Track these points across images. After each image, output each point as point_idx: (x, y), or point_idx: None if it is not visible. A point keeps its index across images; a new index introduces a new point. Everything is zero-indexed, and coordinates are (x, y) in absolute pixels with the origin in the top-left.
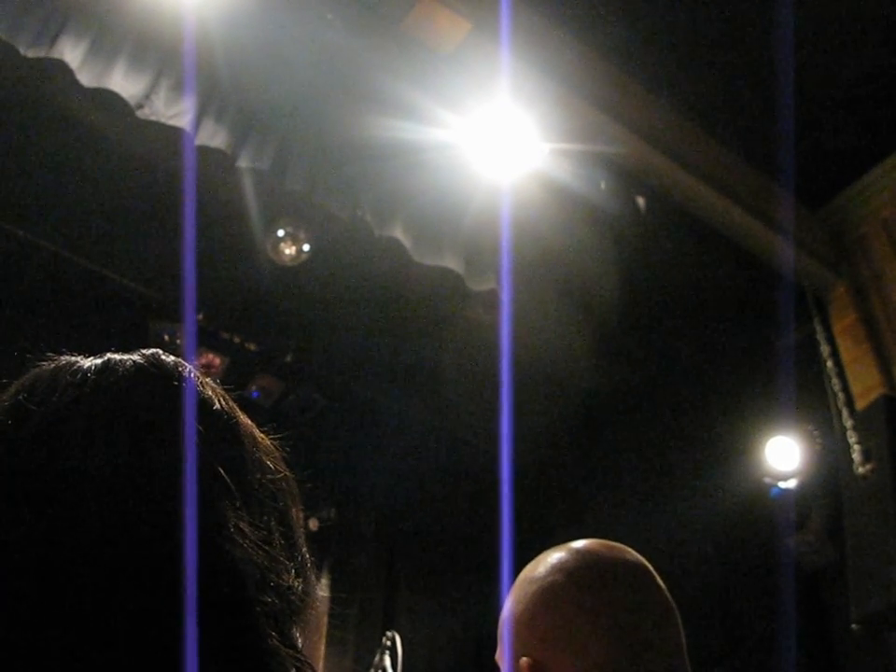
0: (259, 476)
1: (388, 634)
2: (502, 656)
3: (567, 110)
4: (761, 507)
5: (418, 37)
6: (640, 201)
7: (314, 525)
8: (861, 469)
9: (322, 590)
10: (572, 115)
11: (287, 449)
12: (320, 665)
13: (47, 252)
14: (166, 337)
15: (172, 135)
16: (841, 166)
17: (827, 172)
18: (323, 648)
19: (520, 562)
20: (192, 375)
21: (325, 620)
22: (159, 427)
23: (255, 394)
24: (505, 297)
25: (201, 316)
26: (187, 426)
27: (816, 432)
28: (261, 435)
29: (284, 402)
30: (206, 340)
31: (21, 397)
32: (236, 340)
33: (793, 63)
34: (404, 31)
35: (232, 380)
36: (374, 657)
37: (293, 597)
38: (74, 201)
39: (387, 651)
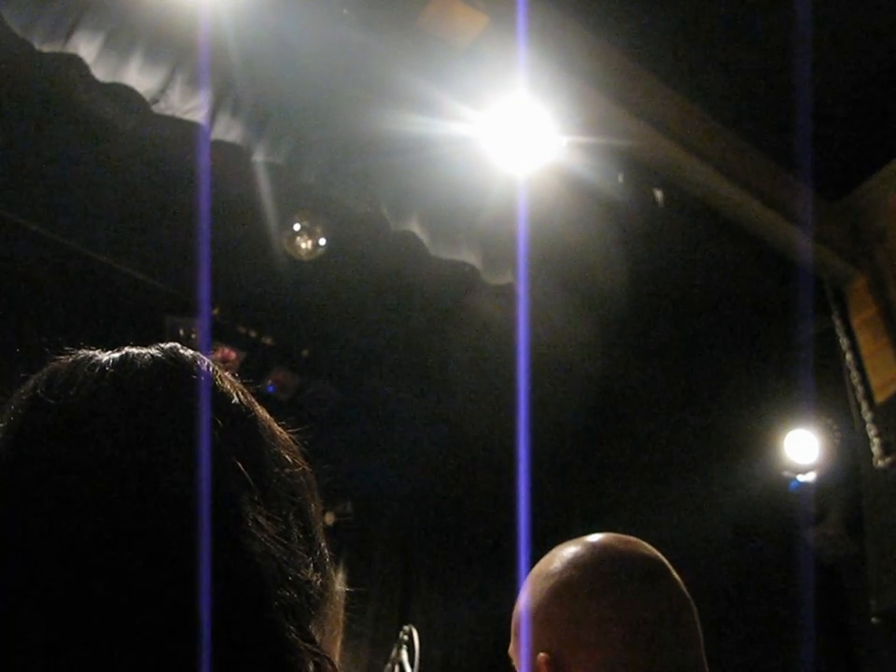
0: (277, 470)
1: (405, 628)
2: (516, 651)
3: (585, 103)
4: (780, 500)
5: (435, 32)
6: (658, 193)
7: (330, 519)
8: (880, 462)
9: (339, 584)
10: (589, 108)
11: (304, 443)
12: (337, 660)
13: (62, 247)
14: (182, 332)
15: (188, 130)
16: (860, 158)
17: (846, 164)
18: (339, 642)
19: (536, 556)
20: (210, 369)
21: (342, 614)
22: (177, 420)
23: (270, 388)
24: (521, 290)
25: (217, 311)
26: (205, 419)
27: (835, 425)
28: (279, 429)
29: (300, 397)
30: (222, 334)
31: (38, 391)
32: (252, 334)
33: (811, 54)
34: (420, 25)
35: (248, 374)
36: (391, 651)
37: (311, 591)
38: (89, 196)
39: (404, 646)
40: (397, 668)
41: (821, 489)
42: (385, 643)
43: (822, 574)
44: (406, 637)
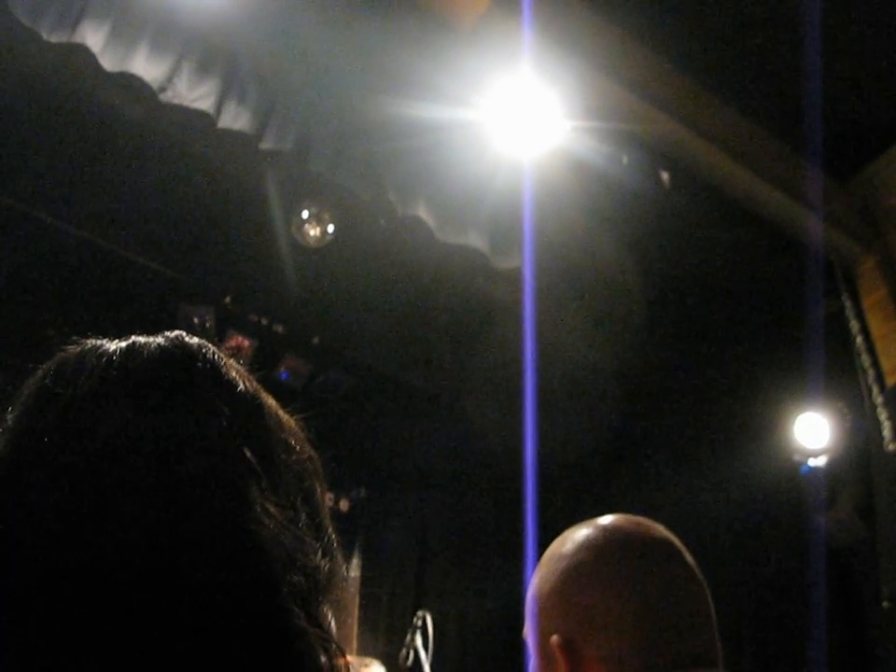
0: (284, 457)
1: (419, 613)
2: (530, 633)
3: (590, 86)
4: (790, 485)
5: (437, 14)
6: (664, 176)
7: (344, 505)
8: (891, 446)
9: (353, 570)
10: (595, 91)
11: (317, 430)
12: (353, 645)
13: (74, 237)
14: (195, 320)
15: (196, 119)
16: (869, 138)
17: (855, 144)
18: (355, 627)
19: (550, 540)
20: (216, 357)
21: (356, 600)
22: (183, 408)
23: (284, 375)
24: (528, 275)
25: (228, 299)
26: (211, 407)
27: (845, 409)
28: (286, 416)
29: (312, 383)
30: (234, 323)
31: (47, 381)
32: (264, 322)
33: (821, 34)
34: (423, 8)
35: (261, 362)
36: (406, 636)
37: (320, 577)
38: (101, 186)
39: (418, 631)
40: (411, 653)
41: (832, 473)
42: (399, 628)
43: (833, 559)
44: (420, 623)
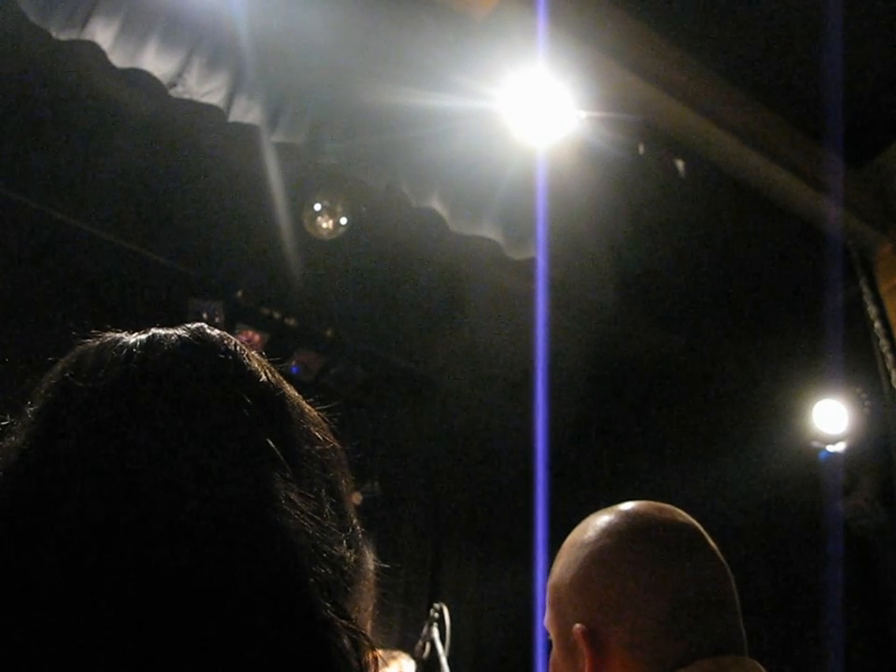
0: (307, 447)
1: (436, 605)
2: (552, 622)
3: (603, 75)
4: (809, 471)
5: (450, 4)
6: (680, 164)
7: (357, 498)
8: None
9: (370, 561)
10: (608, 80)
11: (333, 421)
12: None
13: (83, 232)
14: (205, 315)
15: (206, 113)
16: (886, 123)
17: (871, 129)
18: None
19: (567, 529)
20: (238, 348)
21: (375, 591)
22: (206, 400)
23: (294, 369)
24: (541, 264)
25: (240, 293)
26: (234, 398)
27: (864, 394)
28: (308, 406)
29: (325, 376)
30: (246, 316)
31: (67, 375)
32: (275, 315)
33: (837, 21)
34: None
35: (272, 356)
36: (423, 628)
37: (346, 568)
38: (108, 182)
39: (436, 623)
40: (428, 645)
41: (851, 459)
42: (415, 619)
43: (854, 544)
44: (437, 615)
